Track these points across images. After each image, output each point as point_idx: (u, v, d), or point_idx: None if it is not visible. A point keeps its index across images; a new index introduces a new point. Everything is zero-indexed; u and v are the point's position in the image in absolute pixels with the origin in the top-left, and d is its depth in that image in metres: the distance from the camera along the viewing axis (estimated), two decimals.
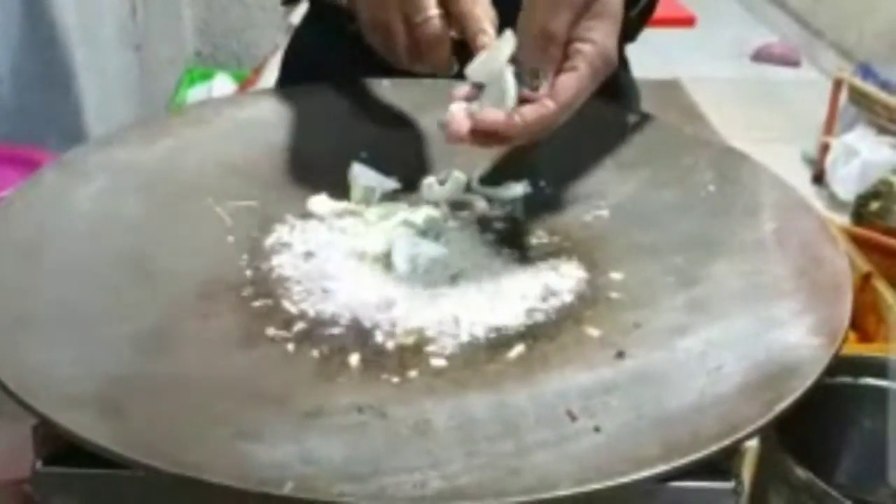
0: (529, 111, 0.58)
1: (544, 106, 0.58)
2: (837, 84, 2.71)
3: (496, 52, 0.60)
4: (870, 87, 2.63)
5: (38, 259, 0.59)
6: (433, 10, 0.65)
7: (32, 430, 0.48)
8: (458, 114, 0.59)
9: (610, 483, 0.42)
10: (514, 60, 0.59)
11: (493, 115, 0.58)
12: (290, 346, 0.53)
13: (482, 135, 0.59)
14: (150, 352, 0.52)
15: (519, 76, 0.59)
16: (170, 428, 0.46)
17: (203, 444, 0.45)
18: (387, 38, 0.68)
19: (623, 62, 1.01)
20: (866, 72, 2.78)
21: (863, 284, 0.90)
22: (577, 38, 0.60)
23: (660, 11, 1.14)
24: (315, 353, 0.53)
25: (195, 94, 1.78)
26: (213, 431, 0.46)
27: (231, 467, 0.43)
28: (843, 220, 1.92)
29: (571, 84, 0.59)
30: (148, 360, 0.51)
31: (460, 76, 0.63)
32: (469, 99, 0.60)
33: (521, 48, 0.59)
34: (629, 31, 0.92)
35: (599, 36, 0.60)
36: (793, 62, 3.75)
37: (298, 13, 1.08)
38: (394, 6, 0.66)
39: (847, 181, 2.53)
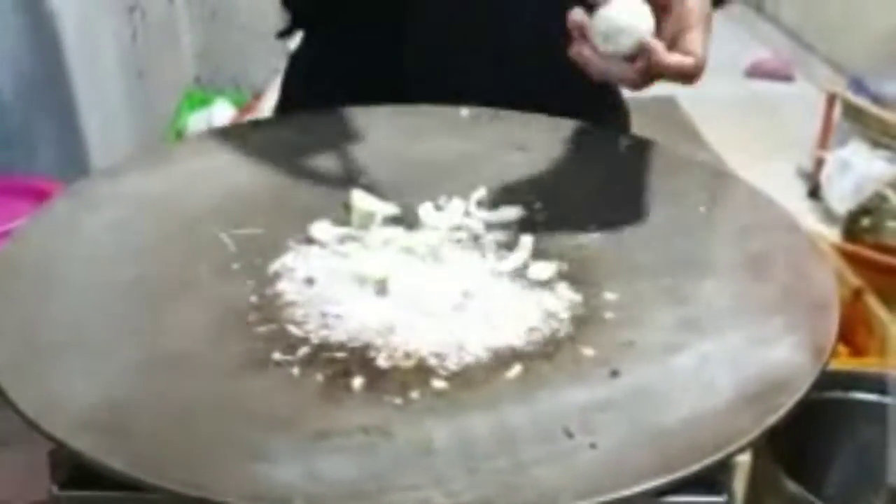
0: (695, 49, 0.64)
1: (694, 42, 0.64)
2: (830, 98, 2.73)
3: None
4: (862, 102, 2.66)
5: (52, 287, 0.60)
6: None
7: (48, 455, 0.50)
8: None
9: (607, 497, 0.43)
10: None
11: (674, 58, 0.63)
12: (296, 370, 0.55)
13: (648, 74, 0.64)
14: (161, 377, 0.54)
15: None
16: (181, 450, 0.48)
17: (213, 466, 0.47)
18: None
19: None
20: (858, 86, 2.81)
21: (854, 300, 0.92)
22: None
23: None
24: (320, 376, 0.54)
25: (195, 119, 1.80)
26: (223, 453, 0.48)
27: (241, 488, 0.45)
28: (837, 233, 1.93)
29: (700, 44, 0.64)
30: (159, 384, 0.53)
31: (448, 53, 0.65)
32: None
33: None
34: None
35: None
36: (786, 77, 3.78)
37: (297, 39, 1.10)
38: None
39: (842, 195, 2.56)
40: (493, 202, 0.72)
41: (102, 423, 0.49)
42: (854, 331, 0.91)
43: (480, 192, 0.73)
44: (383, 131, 0.81)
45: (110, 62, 1.49)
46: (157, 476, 0.45)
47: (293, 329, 0.59)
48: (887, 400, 0.67)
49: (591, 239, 0.68)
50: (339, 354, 0.56)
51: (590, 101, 0.85)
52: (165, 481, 0.45)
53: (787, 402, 0.50)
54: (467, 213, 0.71)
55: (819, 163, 2.74)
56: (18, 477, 0.70)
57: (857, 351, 0.92)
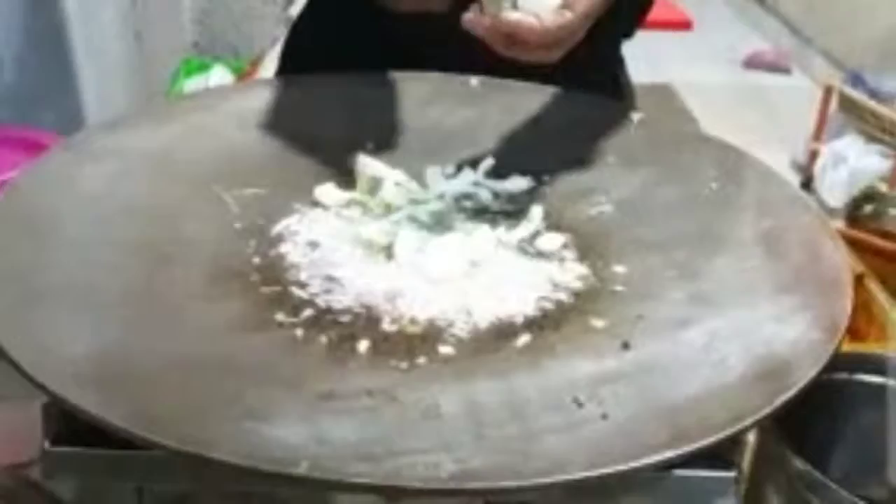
0: (549, 16, 0.60)
1: (562, 14, 0.60)
2: (827, 91, 2.73)
3: None
4: (859, 96, 2.66)
5: (48, 240, 0.59)
6: None
7: (42, 409, 0.49)
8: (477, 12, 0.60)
9: (620, 467, 0.43)
10: None
11: (513, 15, 0.59)
12: (299, 332, 0.54)
13: (502, 35, 0.60)
14: (160, 333, 0.52)
15: None
16: (180, 407, 0.47)
17: (213, 424, 0.45)
18: None
19: (620, 62, 1.02)
20: (856, 80, 2.81)
21: (856, 285, 0.91)
22: None
23: (656, 13, 1.15)
24: (324, 339, 0.53)
25: (192, 85, 1.77)
26: (223, 411, 0.46)
27: (242, 446, 0.44)
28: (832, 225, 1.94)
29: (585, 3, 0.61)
30: (157, 340, 0.52)
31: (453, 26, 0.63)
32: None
33: None
34: (626, 27, 0.93)
35: None
36: (783, 69, 3.78)
37: (297, 6, 1.08)
38: None
39: (835, 188, 2.56)
40: (502, 172, 0.71)
41: (99, 377, 0.48)
42: (855, 316, 0.91)
43: (489, 162, 0.71)
44: (391, 97, 0.80)
45: (110, 23, 1.47)
46: (156, 432, 0.44)
47: (297, 291, 0.57)
48: (890, 382, 0.66)
49: (601, 212, 0.67)
50: (344, 318, 0.55)
51: (596, 86, 0.84)
52: (164, 437, 0.44)
53: (801, 380, 0.49)
54: (475, 183, 0.70)
55: (813, 155, 2.74)
56: (9, 433, 0.69)
57: (857, 336, 0.91)
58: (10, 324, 0.50)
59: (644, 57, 1.19)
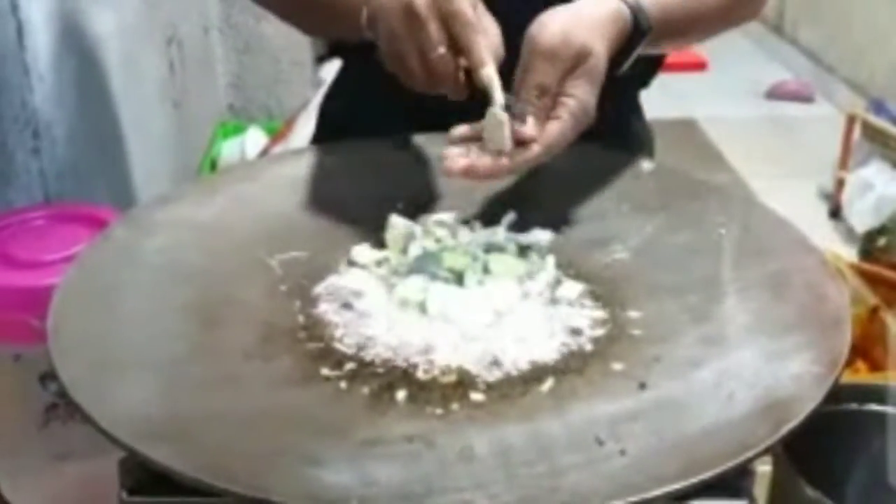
0: (518, 154, 0.70)
1: (530, 150, 0.70)
2: (851, 120, 2.76)
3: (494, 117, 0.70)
4: (883, 123, 2.69)
5: (114, 308, 0.65)
6: (443, 48, 0.72)
7: (119, 464, 0.54)
8: (453, 153, 0.71)
9: (635, 498, 0.47)
10: (507, 108, 0.70)
11: (485, 161, 0.70)
12: (343, 384, 0.59)
13: (477, 174, 0.70)
14: (220, 391, 0.58)
15: (511, 114, 0.70)
16: (241, 457, 0.52)
17: (273, 471, 0.51)
18: (403, 69, 0.74)
19: (637, 109, 1.07)
20: (879, 107, 2.83)
21: (871, 316, 0.95)
22: (564, 92, 0.71)
23: (672, 57, 1.20)
24: (365, 389, 0.59)
25: (229, 147, 1.86)
26: (281, 460, 0.52)
27: (300, 490, 0.49)
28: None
29: (556, 131, 0.71)
30: (218, 398, 0.58)
31: (473, 100, 0.72)
32: (467, 139, 0.72)
33: (517, 96, 0.71)
34: (642, 78, 0.99)
35: (582, 92, 0.71)
36: (806, 98, 3.80)
37: (329, 69, 1.15)
38: (408, 41, 0.72)
39: (863, 215, 2.58)
40: (524, 225, 0.76)
41: (168, 433, 0.54)
42: (871, 346, 0.95)
43: (511, 216, 0.77)
44: (416, 160, 0.86)
45: (151, 95, 1.55)
46: (222, 480, 0.49)
47: (339, 346, 0.63)
48: (891, 410, 0.70)
49: (616, 260, 0.72)
50: (382, 370, 0.61)
51: (614, 126, 0.89)
52: (229, 484, 0.49)
53: (802, 412, 0.53)
54: (498, 236, 0.75)
55: (840, 183, 2.76)
56: (80, 489, 0.75)
57: (875, 366, 0.95)
58: (87, 388, 0.56)
59: (667, 95, 1.24)
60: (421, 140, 0.88)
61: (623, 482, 0.49)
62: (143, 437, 0.52)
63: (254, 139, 1.86)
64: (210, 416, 0.55)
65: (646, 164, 0.85)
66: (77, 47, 1.20)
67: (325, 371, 0.60)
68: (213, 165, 1.87)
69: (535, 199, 0.79)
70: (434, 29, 0.71)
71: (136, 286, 0.68)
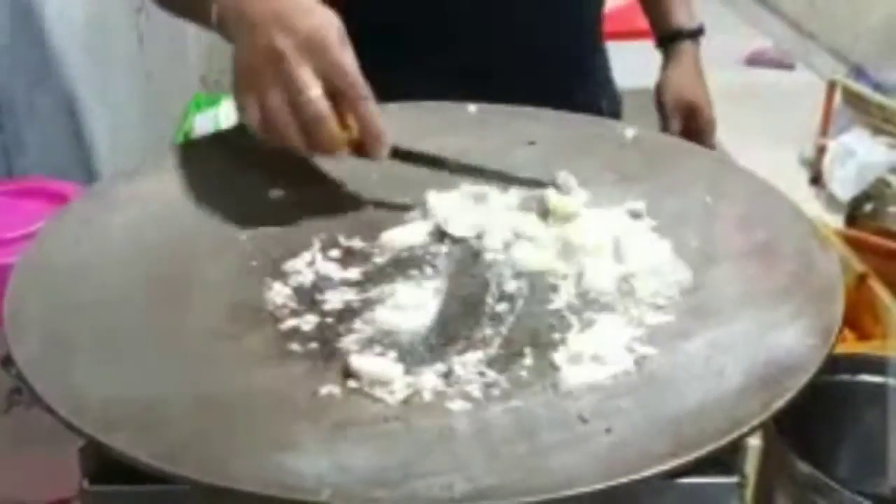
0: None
1: None
2: (831, 86, 2.73)
3: None
4: (863, 89, 2.67)
5: (76, 286, 0.62)
6: (315, 90, 0.64)
7: (79, 451, 0.52)
8: None
9: (624, 479, 0.45)
10: None
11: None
12: (315, 364, 0.56)
13: None
14: (186, 373, 0.55)
15: None
16: (207, 443, 0.49)
17: (240, 457, 0.48)
18: (273, 125, 0.66)
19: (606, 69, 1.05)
20: (860, 74, 2.81)
21: (859, 285, 0.93)
22: None
23: (641, 24, 1.17)
24: (338, 368, 0.56)
25: (202, 120, 1.81)
26: (248, 444, 0.49)
27: (269, 477, 0.46)
28: (840, 220, 1.95)
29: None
30: (183, 380, 0.55)
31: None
32: None
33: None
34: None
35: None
36: (786, 66, 3.78)
37: None
38: (273, 87, 0.65)
39: (845, 182, 2.55)
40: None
41: (130, 419, 0.51)
42: (859, 315, 0.93)
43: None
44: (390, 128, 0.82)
45: (119, 65, 1.51)
46: (185, 468, 0.47)
47: (310, 325, 0.60)
48: (891, 382, 0.68)
49: None
50: (356, 348, 0.58)
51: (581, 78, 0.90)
52: (193, 472, 0.46)
53: (795, 386, 0.51)
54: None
55: (821, 150, 2.74)
56: (45, 475, 0.72)
57: (862, 335, 0.93)
58: (42, 370, 0.53)
59: (644, 62, 1.22)
60: (392, 109, 0.84)
61: (608, 463, 0.47)
62: (103, 424, 0.49)
63: (227, 111, 1.82)
64: (172, 401, 0.52)
65: (629, 132, 0.82)
66: (38, 16, 1.15)
67: (296, 349, 0.58)
68: (187, 139, 1.82)
69: (522, 170, 0.76)
70: (305, 72, 0.63)
71: (97, 263, 0.64)
